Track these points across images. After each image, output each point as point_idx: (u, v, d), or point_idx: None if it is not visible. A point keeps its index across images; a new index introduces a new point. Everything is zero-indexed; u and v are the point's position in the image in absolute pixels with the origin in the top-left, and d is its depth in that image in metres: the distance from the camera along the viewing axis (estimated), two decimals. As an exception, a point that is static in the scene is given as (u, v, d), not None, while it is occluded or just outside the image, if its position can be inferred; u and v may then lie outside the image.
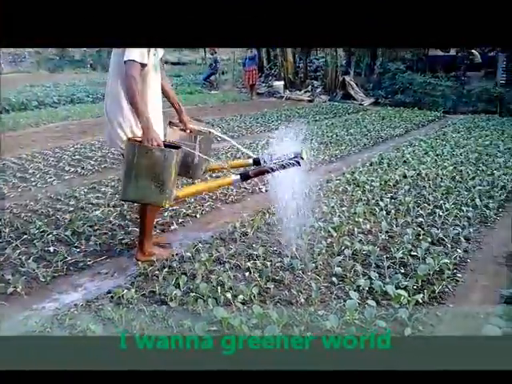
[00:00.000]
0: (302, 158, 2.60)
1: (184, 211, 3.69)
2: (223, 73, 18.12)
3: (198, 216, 3.67)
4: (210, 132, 3.11)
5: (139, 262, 2.81)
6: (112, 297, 2.41)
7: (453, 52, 14.98)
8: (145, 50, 2.52)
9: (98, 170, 4.99)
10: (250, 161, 2.92)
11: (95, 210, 3.66)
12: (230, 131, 7.34)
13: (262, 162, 2.75)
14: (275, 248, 3.03)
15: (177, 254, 2.90)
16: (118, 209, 3.72)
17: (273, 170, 2.66)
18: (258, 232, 3.29)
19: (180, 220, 3.55)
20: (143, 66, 2.52)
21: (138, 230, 2.93)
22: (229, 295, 2.36)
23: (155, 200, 2.42)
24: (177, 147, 2.49)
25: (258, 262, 2.78)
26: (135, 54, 2.45)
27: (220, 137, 3.28)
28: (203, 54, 21.08)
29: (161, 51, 2.75)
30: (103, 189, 4.23)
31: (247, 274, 2.67)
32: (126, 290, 2.41)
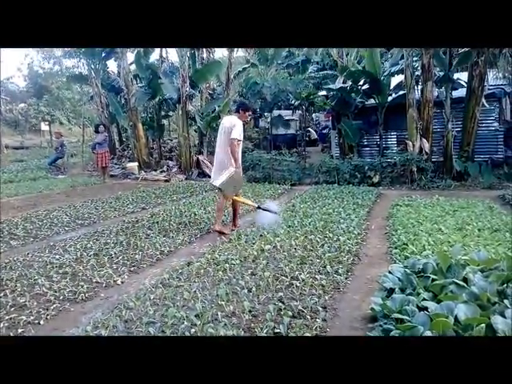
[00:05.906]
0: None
1: (24, 318, 3.18)
2: (72, 156, 17.32)
3: (41, 322, 3.19)
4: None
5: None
6: None
7: (292, 131, 16.82)
8: (241, 130, 5.60)
9: None
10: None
11: None
12: (79, 219, 6.82)
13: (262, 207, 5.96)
14: (134, 349, 2.74)
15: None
16: None
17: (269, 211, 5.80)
18: (114, 333, 2.95)
19: (20, 330, 3.03)
20: (239, 141, 5.63)
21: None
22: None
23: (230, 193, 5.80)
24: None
25: (114, 369, 2.46)
26: (238, 134, 5.52)
27: None
28: (48, 138, 19.98)
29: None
30: None
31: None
32: None
